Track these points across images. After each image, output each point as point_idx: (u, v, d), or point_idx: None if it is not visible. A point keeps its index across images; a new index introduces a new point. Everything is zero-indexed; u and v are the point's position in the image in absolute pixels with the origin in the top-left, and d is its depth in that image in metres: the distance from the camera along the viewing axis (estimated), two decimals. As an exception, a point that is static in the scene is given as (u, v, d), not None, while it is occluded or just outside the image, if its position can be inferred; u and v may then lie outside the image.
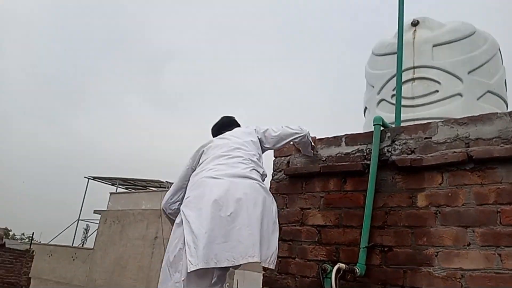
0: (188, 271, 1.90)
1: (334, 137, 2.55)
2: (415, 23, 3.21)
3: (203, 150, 2.36)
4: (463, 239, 1.92)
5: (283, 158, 2.72)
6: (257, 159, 2.29)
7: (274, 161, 2.75)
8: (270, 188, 2.66)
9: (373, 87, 3.34)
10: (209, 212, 1.97)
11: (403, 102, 2.96)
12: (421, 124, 2.22)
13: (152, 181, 21.01)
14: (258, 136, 2.43)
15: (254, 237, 1.97)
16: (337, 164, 2.42)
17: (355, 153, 2.40)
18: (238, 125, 2.61)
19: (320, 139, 2.59)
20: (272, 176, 2.70)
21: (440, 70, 3.01)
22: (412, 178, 2.15)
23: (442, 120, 2.16)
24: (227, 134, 2.44)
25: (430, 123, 2.19)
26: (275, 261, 2.10)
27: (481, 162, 1.97)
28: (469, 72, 2.97)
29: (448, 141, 2.10)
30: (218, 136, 2.46)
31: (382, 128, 2.33)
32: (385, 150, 2.28)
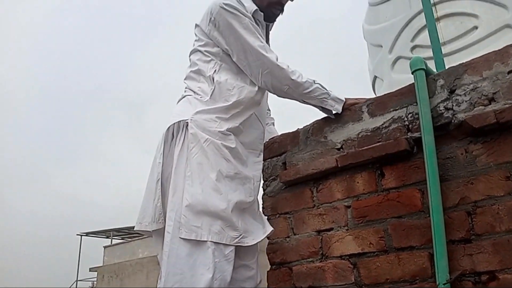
0: None
1: (348, 111, 1.62)
2: (421, -51, 2.35)
3: None
4: None
5: (275, 159, 1.78)
6: None
7: (263, 166, 1.81)
8: (262, 208, 1.72)
9: (381, 46, 2.45)
10: None
11: (428, 54, 2.07)
12: (494, 52, 1.30)
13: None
14: None
15: None
16: (363, 149, 1.48)
17: (390, 125, 1.47)
18: None
19: (326, 119, 1.65)
20: (264, 189, 1.76)
21: (472, 0, 2.14)
22: (505, 145, 1.23)
23: (534, 35, 1.25)
24: None
25: (511, 45, 1.28)
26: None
27: None
28: (514, -5, 2.11)
29: (559, 65, 1.18)
30: None
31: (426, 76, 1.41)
32: (442, 108, 1.36)
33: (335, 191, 1.54)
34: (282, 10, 1.72)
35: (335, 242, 1.48)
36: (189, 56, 1.72)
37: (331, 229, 1.50)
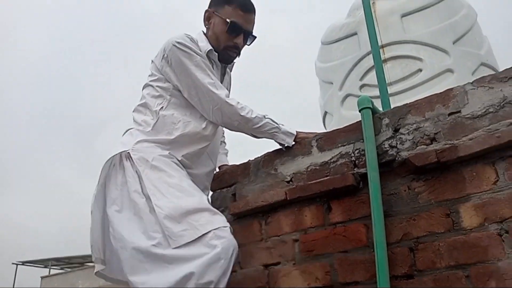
0: None
1: (297, 145, 1.65)
2: (371, -5, 2.50)
3: None
4: None
5: (225, 190, 1.76)
6: None
7: (212, 197, 1.78)
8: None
9: (332, 83, 2.54)
10: None
11: (375, 93, 2.17)
12: (436, 94, 1.38)
13: (89, 256, 18.86)
14: None
15: None
16: (311, 183, 1.49)
17: (337, 160, 1.50)
18: None
19: (277, 151, 1.67)
20: (212, 221, 1.72)
21: (418, 44, 2.28)
22: (444, 183, 1.28)
23: (471, 81, 1.34)
24: None
25: (452, 89, 1.36)
26: None
27: None
28: (454, 42, 2.26)
29: (492, 110, 1.26)
30: None
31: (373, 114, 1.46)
32: (386, 146, 1.40)
33: (283, 224, 1.53)
34: (238, 54, 1.75)
35: (282, 276, 1.47)
36: (142, 90, 1.72)
37: (279, 263, 1.49)
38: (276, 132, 1.62)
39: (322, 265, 1.40)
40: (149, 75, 1.71)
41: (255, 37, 1.75)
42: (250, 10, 1.71)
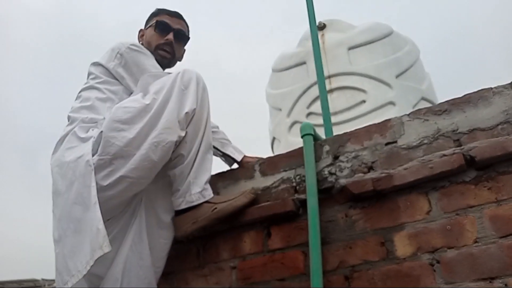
0: None
1: (240, 169, 1.63)
2: (321, 27, 2.58)
3: None
4: (494, 305, 1.07)
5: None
6: None
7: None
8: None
9: (280, 110, 2.57)
10: None
11: (321, 121, 2.21)
12: (375, 124, 1.41)
13: (25, 280, 17.56)
14: None
15: None
16: (252, 207, 1.47)
17: (279, 185, 1.49)
18: None
19: (219, 174, 1.64)
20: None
21: (363, 76, 2.36)
22: (380, 211, 1.30)
23: (408, 113, 1.38)
24: None
25: (389, 120, 1.40)
26: None
27: (489, 166, 1.20)
28: (397, 76, 2.36)
29: (426, 141, 1.30)
30: None
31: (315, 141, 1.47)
32: (326, 172, 1.41)
33: (221, 250, 1.49)
34: (172, 54, 1.74)
35: (217, 305, 1.41)
36: (80, 92, 1.64)
37: (214, 290, 1.43)
38: (227, 143, 1.67)
39: (259, 293, 1.36)
40: (92, 78, 1.64)
41: (189, 37, 1.79)
42: (177, 15, 1.78)
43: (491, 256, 1.12)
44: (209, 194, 1.46)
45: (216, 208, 1.43)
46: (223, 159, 1.76)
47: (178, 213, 1.46)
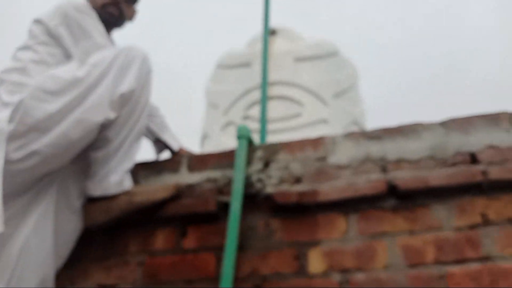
0: None
1: (167, 160, 1.56)
2: (272, 32, 2.57)
3: None
4: (392, 331, 1.10)
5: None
6: None
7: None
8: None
9: (218, 107, 2.52)
10: None
11: (256, 126, 2.20)
12: (310, 139, 1.41)
13: None
14: None
15: None
16: (170, 203, 1.40)
17: (204, 184, 1.44)
18: None
19: (143, 163, 1.55)
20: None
21: (303, 90, 2.38)
22: (300, 225, 1.30)
23: (342, 134, 1.40)
24: None
25: (324, 137, 1.41)
26: None
27: (409, 197, 1.24)
28: (334, 96, 2.42)
29: (355, 164, 1.33)
30: None
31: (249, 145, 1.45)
32: (255, 178, 1.38)
33: (130, 244, 1.40)
34: (120, 12, 1.61)
35: (116, 300, 1.32)
36: (16, 52, 1.48)
37: (116, 285, 1.34)
38: (165, 129, 1.61)
39: (163, 292, 1.30)
40: (31, 37, 1.48)
41: None
42: None
43: (396, 283, 1.15)
44: (127, 184, 1.37)
45: (132, 199, 1.35)
46: (155, 145, 1.67)
47: (91, 199, 1.36)
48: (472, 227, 1.18)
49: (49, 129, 1.23)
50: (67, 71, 1.32)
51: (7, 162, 1.18)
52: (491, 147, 1.23)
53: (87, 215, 1.35)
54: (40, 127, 1.23)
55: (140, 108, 1.39)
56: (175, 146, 1.63)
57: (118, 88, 1.31)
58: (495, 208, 1.18)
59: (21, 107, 1.23)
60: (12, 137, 1.21)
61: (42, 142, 1.22)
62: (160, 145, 1.66)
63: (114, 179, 1.34)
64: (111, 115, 1.30)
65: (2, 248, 1.23)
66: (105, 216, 1.33)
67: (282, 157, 1.41)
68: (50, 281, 1.30)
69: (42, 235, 1.27)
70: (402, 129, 1.34)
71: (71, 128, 1.24)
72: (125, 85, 1.33)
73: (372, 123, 2.66)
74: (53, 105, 1.24)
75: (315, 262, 1.23)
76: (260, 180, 1.38)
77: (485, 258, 1.13)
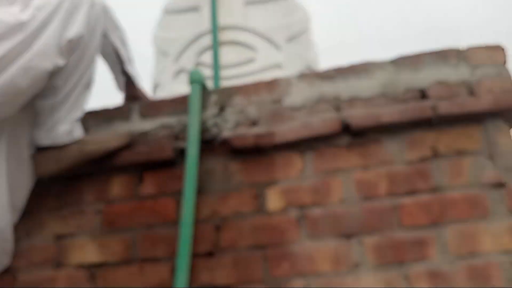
0: None
1: (117, 108, 1.50)
2: (220, -26, 2.46)
3: None
4: (347, 259, 1.18)
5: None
6: None
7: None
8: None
9: (167, 55, 2.42)
10: None
11: (209, 73, 2.16)
12: (264, 82, 1.41)
13: None
14: None
15: None
16: (125, 151, 1.37)
17: (159, 131, 1.41)
18: None
19: (92, 112, 1.48)
20: None
21: (256, 35, 2.33)
22: (258, 166, 1.32)
23: (296, 76, 1.40)
24: None
25: (278, 79, 1.40)
26: None
27: (362, 134, 1.28)
28: (287, 41, 2.39)
29: (309, 104, 1.34)
30: None
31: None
32: (210, 123, 1.38)
33: (86, 193, 1.37)
34: None
35: (75, 249, 1.31)
36: None
37: (73, 235, 1.32)
38: (129, 58, 1.54)
39: (123, 239, 1.30)
40: None
41: None
42: None
43: (351, 216, 1.21)
44: (78, 133, 1.32)
45: (83, 148, 1.30)
46: (118, 77, 1.59)
47: (41, 149, 1.30)
48: (423, 160, 1.24)
49: None
50: (9, 13, 1.21)
51: None
52: (440, 83, 1.28)
53: (38, 164, 1.30)
54: None
55: (90, 55, 1.32)
56: (134, 72, 1.56)
57: (65, 34, 1.23)
58: (444, 141, 1.25)
59: None
60: None
61: None
62: (121, 77, 1.58)
63: (63, 128, 1.29)
64: (60, 62, 1.23)
65: None
66: (57, 166, 1.28)
67: (237, 101, 1.39)
68: (8, 234, 1.26)
69: None
70: (354, 68, 1.36)
71: (19, 75, 1.16)
72: (73, 30, 1.24)
73: (325, 64, 2.69)
74: None
75: (274, 200, 1.27)
76: (216, 125, 1.37)
77: (435, 189, 1.21)
